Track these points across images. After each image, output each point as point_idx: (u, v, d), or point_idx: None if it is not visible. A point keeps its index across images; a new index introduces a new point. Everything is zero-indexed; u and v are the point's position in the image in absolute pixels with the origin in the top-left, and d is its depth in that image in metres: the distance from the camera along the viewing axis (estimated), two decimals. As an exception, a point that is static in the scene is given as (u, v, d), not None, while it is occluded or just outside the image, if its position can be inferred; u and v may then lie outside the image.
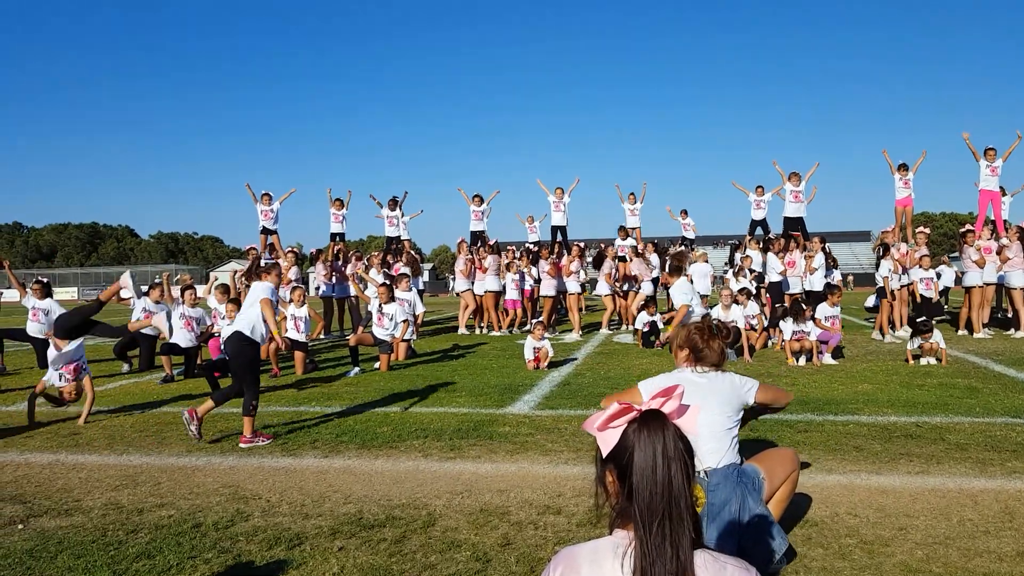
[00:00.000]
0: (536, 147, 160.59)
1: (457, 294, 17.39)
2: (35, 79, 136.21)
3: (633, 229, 18.98)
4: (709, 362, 3.65)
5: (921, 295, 14.51)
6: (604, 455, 1.65)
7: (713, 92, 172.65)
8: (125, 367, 11.24)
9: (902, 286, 14.42)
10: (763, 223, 18.12)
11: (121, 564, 3.71)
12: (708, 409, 3.47)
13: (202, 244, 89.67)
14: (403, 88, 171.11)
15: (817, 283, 14.27)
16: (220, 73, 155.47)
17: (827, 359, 10.52)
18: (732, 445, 3.49)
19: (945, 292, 18.20)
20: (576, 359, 11.40)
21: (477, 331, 16.47)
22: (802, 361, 10.57)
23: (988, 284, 14.01)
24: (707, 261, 16.84)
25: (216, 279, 14.09)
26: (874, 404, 7.37)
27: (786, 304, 12.98)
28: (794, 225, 16.69)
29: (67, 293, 58.76)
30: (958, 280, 16.23)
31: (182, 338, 10.45)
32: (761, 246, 16.03)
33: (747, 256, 15.86)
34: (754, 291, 13.55)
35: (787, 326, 10.95)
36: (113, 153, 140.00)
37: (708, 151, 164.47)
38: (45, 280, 11.89)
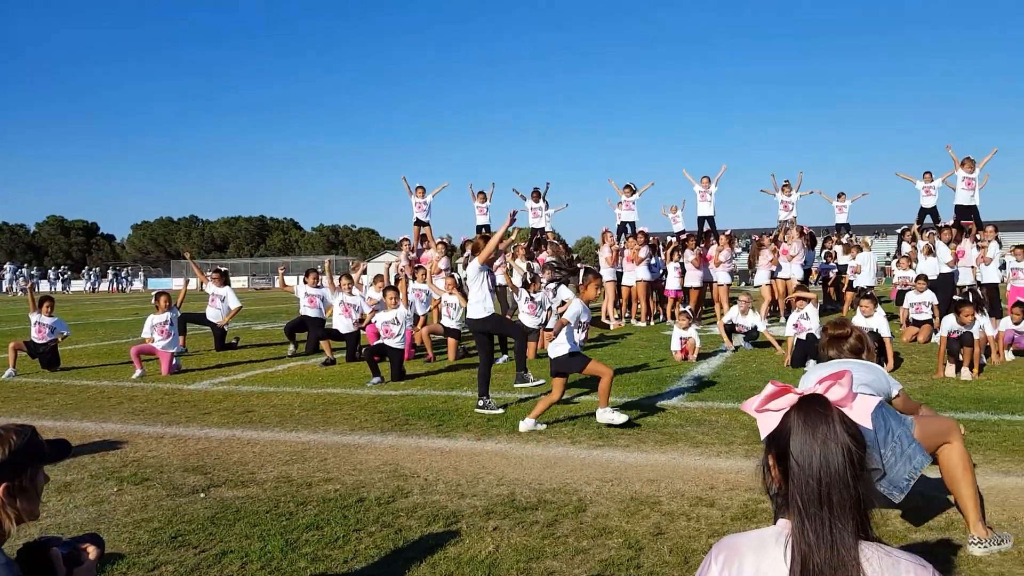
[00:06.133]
0: (681, 136, 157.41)
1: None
2: (202, 78, 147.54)
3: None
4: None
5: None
6: (762, 437, 1.61)
7: (865, 67, 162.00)
8: (291, 349, 11.95)
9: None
10: (933, 211, 16.97)
11: (292, 534, 3.98)
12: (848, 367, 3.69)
13: (359, 236, 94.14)
14: (540, 78, 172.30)
15: (990, 275, 13.22)
16: (370, 70, 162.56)
17: (1009, 355, 9.69)
18: (870, 386, 3.62)
19: None
20: (726, 351, 11.10)
21: (623, 322, 16.35)
22: (964, 374, 8.47)
23: None
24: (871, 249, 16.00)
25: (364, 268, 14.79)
26: (1063, 406, 6.74)
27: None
28: (967, 214, 15.50)
29: (238, 282, 63.24)
30: None
31: (341, 324, 11.06)
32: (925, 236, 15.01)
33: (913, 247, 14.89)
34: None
35: (948, 322, 8.93)
36: (278, 149, 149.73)
37: (871, 134, 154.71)
38: (224, 269, 12.92)
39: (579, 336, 6.52)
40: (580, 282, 6.68)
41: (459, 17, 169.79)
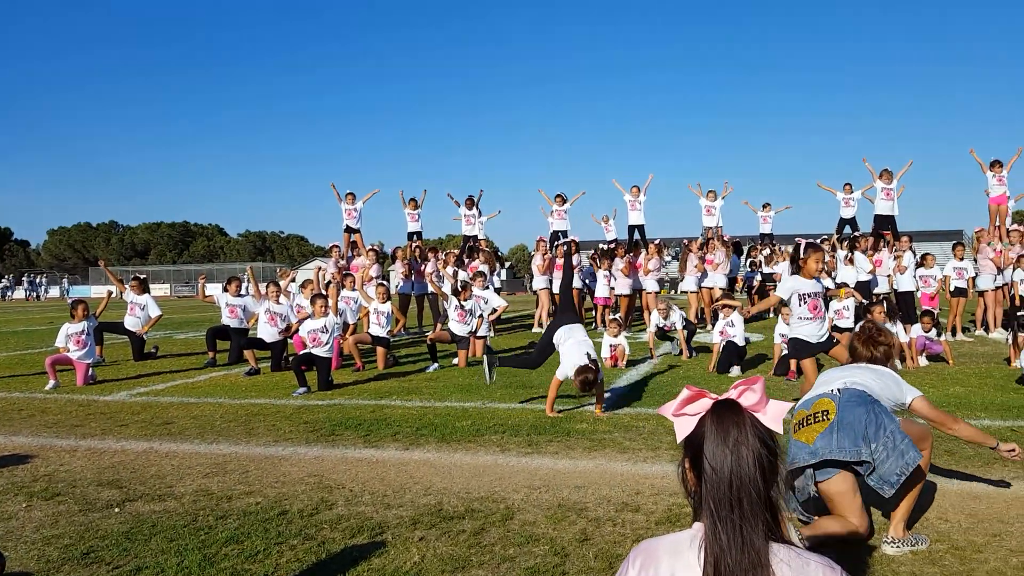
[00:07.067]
0: (607, 145, 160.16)
1: (534, 292, 17.43)
2: (123, 81, 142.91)
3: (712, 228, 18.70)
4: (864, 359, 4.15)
5: (1021, 297, 13.75)
6: (678, 440, 1.64)
7: (788, 81, 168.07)
8: (210, 356, 11.58)
9: (997, 287, 13.77)
10: (852, 221, 17.63)
11: (211, 548, 3.86)
12: (855, 373, 3.95)
13: (288, 242, 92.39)
14: (474, 88, 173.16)
15: (906, 283, 13.82)
16: (298, 73, 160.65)
17: (922, 360, 10.12)
18: (871, 389, 3.79)
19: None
20: (653, 358, 11.28)
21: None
22: None
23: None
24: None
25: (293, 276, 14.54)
26: (967, 407, 7.07)
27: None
28: (885, 223, 16.15)
29: (160, 289, 61.40)
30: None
31: (267, 333, 10.80)
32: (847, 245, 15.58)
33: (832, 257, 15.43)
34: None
35: None
36: (202, 152, 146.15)
37: (791, 145, 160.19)
38: (143, 276, 12.50)
39: (807, 311, 6.37)
40: (800, 256, 6.49)
41: (383, 24, 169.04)
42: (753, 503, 1.50)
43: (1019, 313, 10.07)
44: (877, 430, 3.51)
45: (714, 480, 1.53)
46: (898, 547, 3.63)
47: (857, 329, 4.29)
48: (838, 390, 3.80)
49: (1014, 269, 13.64)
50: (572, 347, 7.08)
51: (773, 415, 1.62)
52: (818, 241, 17.82)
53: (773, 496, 1.55)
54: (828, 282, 14.78)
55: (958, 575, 3.38)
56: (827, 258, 16.27)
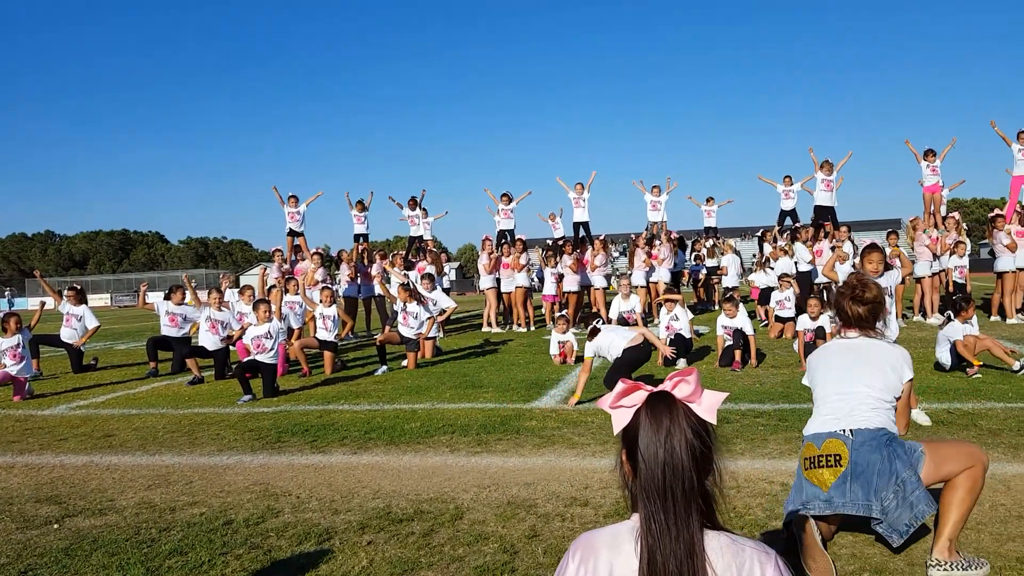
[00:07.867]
0: (551, 143, 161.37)
1: (481, 291, 17.42)
2: (59, 86, 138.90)
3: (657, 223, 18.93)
4: (854, 326, 3.62)
5: (955, 283, 14.24)
6: (615, 432, 1.65)
7: (731, 80, 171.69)
8: (151, 366, 11.27)
9: (934, 273, 14.23)
10: (792, 213, 18.02)
11: (154, 561, 3.76)
12: (858, 372, 3.49)
13: (231, 248, 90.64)
14: (422, 86, 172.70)
15: (844, 273, 14.19)
16: (241, 76, 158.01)
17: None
18: (883, 413, 3.42)
19: None
20: (602, 353, 11.35)
21: (506, 328, 16.45)
22: None
23: (1021, 269, 13.71)
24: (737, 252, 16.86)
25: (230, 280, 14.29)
26: (905, 392, 7.28)
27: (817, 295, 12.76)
28: (825, 214, 16.53)
29: (100, 300, 59.78)
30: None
31: (208, 341, 10.58)
32: (788, 237, 15.93)
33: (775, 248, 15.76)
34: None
35: (803, 319, 9.79)
36: (141, 159, 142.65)
37: (732, 141, 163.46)
38: (79, 287, 12.14)
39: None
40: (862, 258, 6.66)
41: (322, 28, 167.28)
42: (686, 493, 1.52)
43: (955, 298, 10.41)
44: (889, 478, 3.24)
45: (647, 471, 1.54)
46: (946, 571, 3.22)
47: (842, 283, 3.72)
48: (851, 431, 3.38)
49: (950, 256, 14.12)
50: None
51: (708, 406, 1.63)
52: (762, 232, 18.26)
53: (707, 485, 1.56)
54: (761, 275, 15.11)
55: (897, 554, 3.47)
56: (768, 249, 16.66)
